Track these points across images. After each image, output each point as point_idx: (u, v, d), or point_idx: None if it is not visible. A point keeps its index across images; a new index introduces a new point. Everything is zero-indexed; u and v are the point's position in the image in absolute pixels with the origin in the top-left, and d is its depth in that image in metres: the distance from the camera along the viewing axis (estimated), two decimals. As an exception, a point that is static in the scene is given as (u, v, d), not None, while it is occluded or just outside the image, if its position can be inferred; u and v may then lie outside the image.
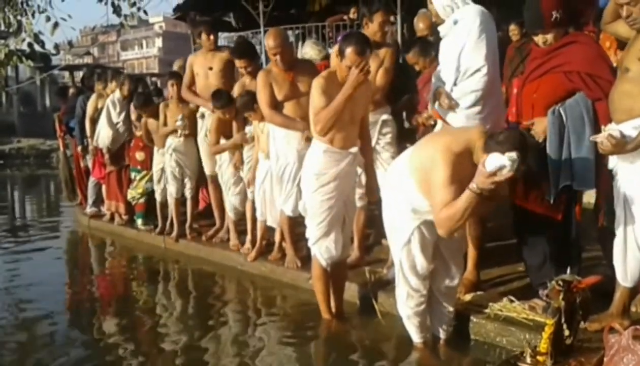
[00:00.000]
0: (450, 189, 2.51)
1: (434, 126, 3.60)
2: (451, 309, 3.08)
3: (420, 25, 4.46)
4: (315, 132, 3.21)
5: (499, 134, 2.56)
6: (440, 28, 3.35)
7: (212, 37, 4.95)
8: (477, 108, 3.22)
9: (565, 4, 2.94)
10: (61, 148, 7.60)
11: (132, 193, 5.91)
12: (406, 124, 4.28)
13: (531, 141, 2.95)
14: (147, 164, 5.74)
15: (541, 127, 2.98)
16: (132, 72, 39.00)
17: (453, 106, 3.23)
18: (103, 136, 6.11)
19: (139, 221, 5.97)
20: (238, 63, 4.36)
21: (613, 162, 2.72)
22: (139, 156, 5.82)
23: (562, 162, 2.93)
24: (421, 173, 2.69)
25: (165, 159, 5.38)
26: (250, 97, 4.23)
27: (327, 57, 4.73)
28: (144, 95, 5.67)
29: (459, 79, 3.22)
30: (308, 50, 4.75)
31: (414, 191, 2.75)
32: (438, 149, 2.59)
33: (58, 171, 8.04)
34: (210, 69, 4.93)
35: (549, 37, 2.98)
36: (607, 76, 2.84)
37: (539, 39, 3.03)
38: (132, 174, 5.92)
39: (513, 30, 5.39)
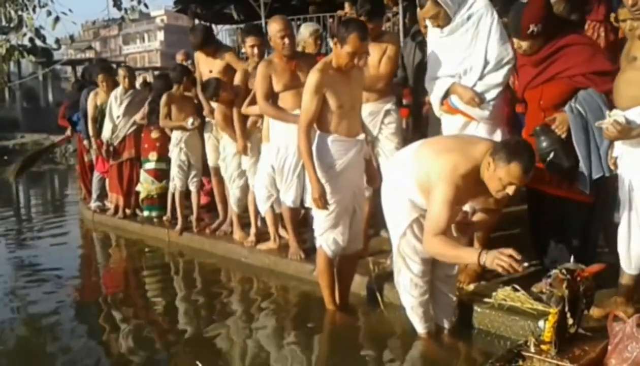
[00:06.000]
0: (447, 212, 2.54)
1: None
2: (454, 298, 3.09)
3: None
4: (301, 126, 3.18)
5: (506, 144, 2.56)
6: (446, 29, 3.28)
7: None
8: (499, 100, 3.26)
9: (546, 20, 3.01)
10: (57, 138, 7.66)
11: (150, 190, 5.84)
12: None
13: (554, 136, 3.01)
14: None
15: (564, 122, 3.02)
16: (135, 66, 38.97)
17: (481, 101, 3.24)
18: (104, 129, 6.13)
19: (153, 213, 5.91)
20: (250, 41, 4.30)
21: (618, 149, 2.73)
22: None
23: (592, 155, 2.97)
24: (424, 180, 2.69)
25: (173, 153, 5.37)
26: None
27: None
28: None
29: (486, 72, 3.24)
30: None
31: (414, 189, 2.76)
32: (445, 167, 2.57)
33: (62, 165, 8.06)
34: (210, 71, 4.92)
35: (524, 44, 3.08)
36: (609, 67, 2.91)
37: (515, 43, 3.14)
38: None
39: None
